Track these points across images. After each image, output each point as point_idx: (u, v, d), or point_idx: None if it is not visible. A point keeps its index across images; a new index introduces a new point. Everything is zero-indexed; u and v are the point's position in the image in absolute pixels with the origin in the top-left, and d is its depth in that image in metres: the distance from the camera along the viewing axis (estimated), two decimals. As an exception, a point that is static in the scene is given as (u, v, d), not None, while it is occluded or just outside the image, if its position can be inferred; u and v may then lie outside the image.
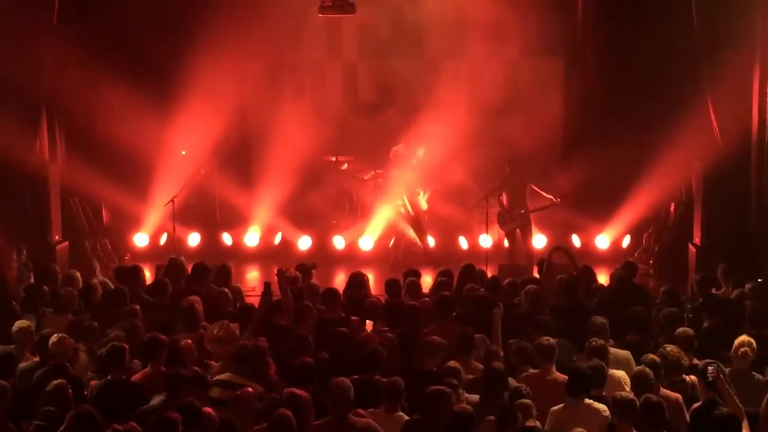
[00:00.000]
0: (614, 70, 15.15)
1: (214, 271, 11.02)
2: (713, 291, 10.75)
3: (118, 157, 15.48)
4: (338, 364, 8.40)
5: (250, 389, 7.65)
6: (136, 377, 8.27)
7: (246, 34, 15.44)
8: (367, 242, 15.77)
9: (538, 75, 16.12)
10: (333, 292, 10.10)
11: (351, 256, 15.65)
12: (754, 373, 8.32)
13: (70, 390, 7.60)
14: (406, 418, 7.55)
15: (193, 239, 16.14)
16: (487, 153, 15.37)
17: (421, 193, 15.61)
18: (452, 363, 8.15)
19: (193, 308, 9.44)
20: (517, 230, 14.63)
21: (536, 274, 12.04)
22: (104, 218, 16.05)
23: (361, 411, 7.53)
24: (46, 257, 13.32)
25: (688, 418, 7.62)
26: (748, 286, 10.45)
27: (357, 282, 10.76)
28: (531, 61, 15.93)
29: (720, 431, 7.10)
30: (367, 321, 9.66)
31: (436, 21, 16.37)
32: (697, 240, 13.72)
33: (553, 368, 8.24)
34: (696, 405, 7.62)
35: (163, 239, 15.88)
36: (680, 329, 8.88)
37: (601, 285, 11.16)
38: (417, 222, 15.62)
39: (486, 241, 14.91)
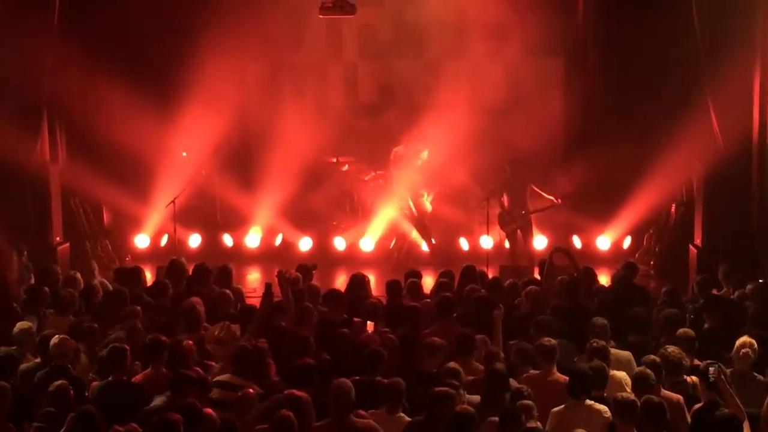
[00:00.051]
0: (615, 71, 15.14)
1: (215, 272, 11.01)
2: (714, 292, 10.75)
3: (118, 158, 15.48)
4: (339, 365, 8.40)
5: (251, 390, 7.65)
6: (137, 378, 8.26)
7: (246, 35, 15.44)
8: (367, 243, 15.77)
9: (539, 75, 16.13)
10: (336, 293, 10.09)
11: (352, 257, 15.66)
12: (755, 374, 8.32)
13: (72, 391, 7.61)
14: (407, 419, 7.55)
15: (194, 240, 16.14)
16: (488, 154, 15.36)
17: (425, 195, 15.61)
18: (452, 364, 8.14)
19: (194, 309, 9.44)
20: (518, 231, 14.62)
21: (537, 275, 12.04)
22: (105, 219, 16.05)
23: (362, 412, 7.52)
24: (47, 258, 13.32)
25: (689, 419, 7.61)
26: (749, 286, 10.45)
27: (358, 283, 10.76)
28: (531, 62, 15.93)
29: (721, 432, 7.11)
30: (368, 322, 9.65)
31: (436, 22, 16.38)
32: (697, 241, 13.72)
33: (554, 369, 8.24)
34: (697, 406, 7.62)
35: (164, 240, 15.88)
36: (681, 330, 8.88)
37: (602, 286, 11.16)
38: (421, 223, 15.62)
39: (487, 242, 14.91)
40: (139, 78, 15.36)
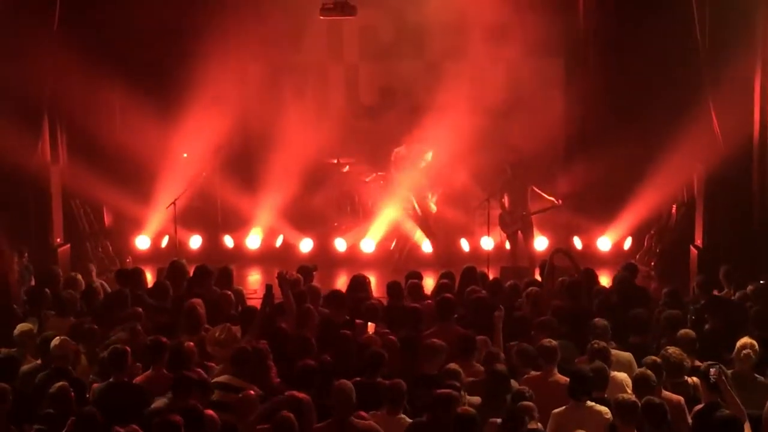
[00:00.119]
0: (615, 71, 15.13)
1: (216, 273, 11.01)
2: (715, 293, 10.75)
3: (119, 160, 15.48)
4: (340, 366, 8.41)
5: (251, 392, 7.65)
6: (138, 380, 8.27)
7: (247, 36, 15.45)
8: (368, 244, 15.77)
9: (539, 76, 16.12)
10: (338, 294, 10.09)
11: (353, 258, 15.65)
12: (756, 375, 8.31)
13: (72, 392, 7.61)
14: (408, 420, 7.55)
15: (195, 242, 16.14)
16: (489, 155, 15.37)
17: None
18: (452, 365, 8.15)
19: (195, 311, 9.44)
20: (519, 232, 14.61)
21: (538, 277, 12.03)
22: (106, 221, 16.05)
23: (363, 413, 7.53)
24: (48, 260, 13.32)
25: (690, 420, 7.61)
26: (750, 287, 10.45)
27: (358, 284, 10.76)
28: (532, 63, 15.92)
29: (722, 433, 7.11)
30: (369, 323, 9.66)
31: (436, 23, 16.38)
32: (698, 242, 13.71)
33: (555, 370, 8.24)
34: (698, 407, 7.62)
35: (165, 242, 15.88)
36: (682, 331, 8.88)
37: (603, 287, 11.15)
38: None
39: (488, 243, 14.90)
40: (139, 79, 15.38)
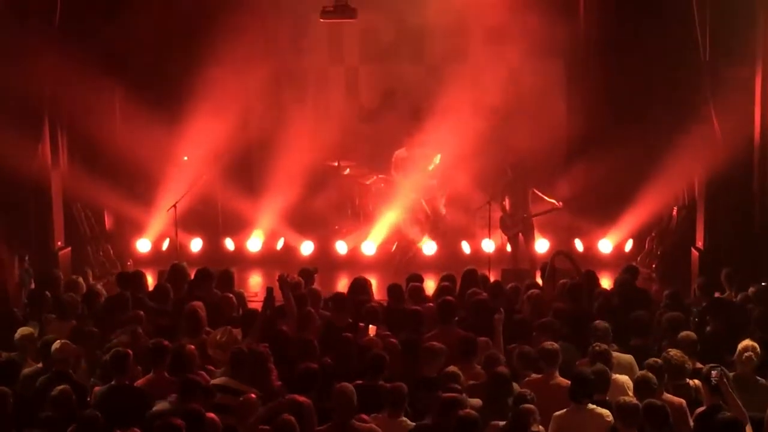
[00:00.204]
0: (616, 74, 15.12)
1: (217, 276, 11.01)
2: (717, 295, 10.74)
3: (120, 163, 15.47)
4: (342, 369, 8.41)
5: (253, 395, 7.65)
6: (139, 383, 8.27)
7: (248, 40, 15.42)
8: (369, 247, 15.76)
9: (541, 79, 16.09)
10: (341, 297, 10.09)
11: (353, 261, 15.64)
12: (758, 377, 8.31)
13: (74, 396, 7.61)
14: (410, 423, 7.56)
15: (196, 245, 16.14)
16: (490, 157, 15.35)
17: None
18: (452, 368, 8.15)
19: (196, 314, 9.44)
20: (520, 235, 14.61)
21: (539, 279, 12.03)
22: (107, 224, 16.05)
23: (364, 416, 7.53)
24: (49, 263, 13.32)
25: (691, 422, 7.60)
26: (751, 289, 10.44)
27: (359, 287, 10.75)
28: (533, 65, 15.90)
29: (723, 436, 7.10)
30: (370, 326, 9.65)
31: (437, 25, 16.36)
32: (700, 244, 13.70)
33: (557, 373, 8.24)
34: (700, 409, 7.61)
35: (166, 245, 15.87)
36: (682, 333, 8.87)
37: (604, 289, 11.15)
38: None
39: (489, 245, 14.89)
40: (140, 82, 15.39)
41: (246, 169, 16.35)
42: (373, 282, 11.51)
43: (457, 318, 9.80)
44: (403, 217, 15.69)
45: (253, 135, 16.27)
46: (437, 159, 15.45)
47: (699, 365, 8.36)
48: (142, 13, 14.71)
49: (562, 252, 12.20)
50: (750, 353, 8.29)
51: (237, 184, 16.02)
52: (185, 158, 15.82)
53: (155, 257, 15.75)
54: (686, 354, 8.28)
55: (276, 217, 15.95)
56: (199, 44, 15.23)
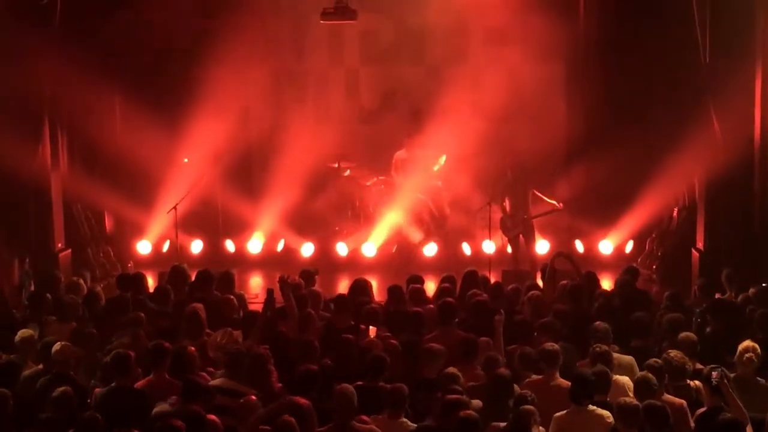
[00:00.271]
0: (617, 75, 15.13)
1: (217, 278, 11.01)
2: (718, 296, 10.74)
3: (120, 165, 15.49)
4: (342, 370, 8.41)
5: (253, 397, 7.65)
6: (139, 384, 8.26)
7: (248, 41, 15.44)
8: (370, 249, 15.76)
9: (541, 80, 16.09)
10: (343, 299, 10.09)
11: (354, 262, 15.65)
12: (758, 378, 8.30)
13: (75, 397, 7.62)
14: (410, 424, 7.56)
15: (196, 246, 16.14)
16: (490, 159, 15.36)
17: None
18: (451, 369, 8.15)
19: (196, 315, 9.44)
20: (520, 236, 14.61)
21: (539, 280, 12.03)
22: (107, 226, 16.05)
23: (364, 418, 7.53)
24: (49, 265, 13.32)
25: (692, 423, 7.60)
26: (752, 290, 10.44)
27: (360, 288, 10.75)
28: (533, 66, 15.90)
29: (724, 437, 7.09)
30: (371, 327, 9.66)
31: (437, 27, 16.37)
32: (700, 245, 13.70)
33: (557, 374, 8.24)
34: (700, 410, 7.61)
35: (166, 246, 15.87)
36: (682, 334, 8.87)
37: (605, 290, 11.15)
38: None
39: (489, 247, 14.90)
40: (140, 84, 15.40)
41: (246, 171, 16.36)
42: (374, 283, 11.51)
43: (457, 319, 9.80)
44: (405, 217, 15.69)
45: (254, 136, 16.28)
46: (442, 160, 15.45)
47: (699, 366, 8.36)
48: (143, 16, 14.73)
49: (562, 253, 12.20)
50: (750, 354, 8.28)
51: (237, 186, 16.03)
52: (185, 160, 15.82)
53: (156, 259, 15.75)
54: (686, 355, 8.27)
55: (276, 219, 15.96)
56: (200, 45, 15.25)
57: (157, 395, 7.94)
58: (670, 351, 8.29)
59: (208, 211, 16.22)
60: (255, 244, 16.16)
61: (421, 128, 15.50)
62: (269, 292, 9.50)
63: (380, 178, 16.18)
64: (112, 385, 8.06)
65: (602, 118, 15.17)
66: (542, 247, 15.22)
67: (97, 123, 15.09)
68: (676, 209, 15.07)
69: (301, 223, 16.14)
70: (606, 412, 7.52)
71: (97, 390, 8.18)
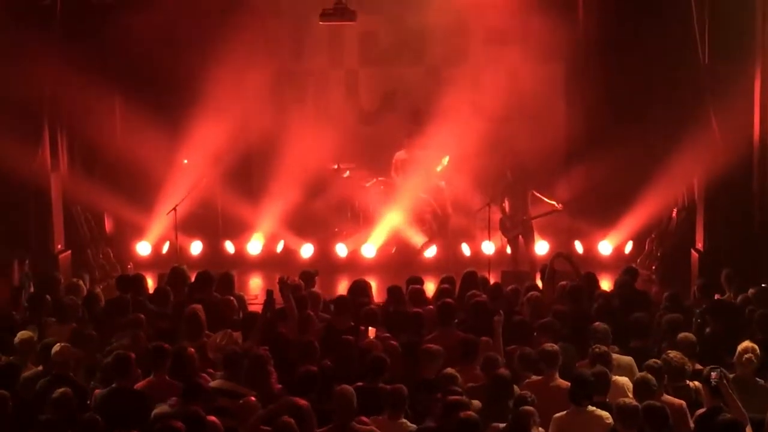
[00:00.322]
0: (616, 76, 15.14)
1: (217, 279, 11.01)
2: (718, 296, 10.74)
3: (120, 166, 15.50)
4: (342, 371, 8.41)
5: (253, 398, 7.66)
6: (139, 385, 8.27)
7: (247, 42, 15.45)
8: (369, 250, 15.77)
9: (540, 80, 16.09)
10: (343, 300, 10.10)
11: (354, 263, 15.66)
12: (757, 379, 8.30)
13: (75, 399, 7.62)
14: (410, 425, 7.56)
15: (196, 248, 16.15)
16: (489, 159, 15.36)
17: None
18: (449, 370, 8.16)
19: (196, 316, 9.44)
20: (520, 237, 14.62)
21: (539, 281, 12.03)
22: (107, 227, 16.06)
23: (364, 419, 7.53)
24: (49, 266, 13.32)
25: (692, 424, 7.60)
26: (751, 291, 10.44)
27: (359, 289, 10.75)
28: (533, 67, 15.91)
29: (724, 437, 7.10)
30: (370, 328, 9.66)
31: (437, 28, 16.39)
32: (699, 245, 13.72)
33: (557, 375, 8.24)
34: (700, 411, 7.61)
35: (166, 248, 15.88)
36: (681, 334, 8.86)
37: (604, 291, 11.15)
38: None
39: (488, 247, 14.90)
40: (140, 86, 15.41)
41: (246, 172, 16.36)
42: (373, 284, 11.51)
43: (456, 320, 9.80)
44: (407, 218, 15.69)
45: (253, 138, 16.27)
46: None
47: (699, 367, 8.36)
48: (143, 18, 14.72)
49: (561, 254, 12.20)
50: (750, 355, 8.28)
51: (237, 187, 16.04)
52: (185, 161, 15.83)
53: (155, 260, 15.76)
54: (686, 355, 8.27)
55: (276, 220, 15.97)
56: (199, 47, 15.26)
57: (156, 396, 7.95)
58: (669, 351, 8.29)
59: (208, 212, 16.24)
60: (255, 246, 16.16)
61: (421, 129, 15.50)
62: (269, 294, 9.51)
63: (380, 179, 16.19)
64: (112, 386, 8.06)
65: (602, 118, 15.18)
66: (542, 247, 15.23)
67: (97, 124, 15.11)
68: (675, 210, 15.08)
69: (301, 224, 16.15)
70: (605, 413, 7.52)
71: (97, 391, 8.18)
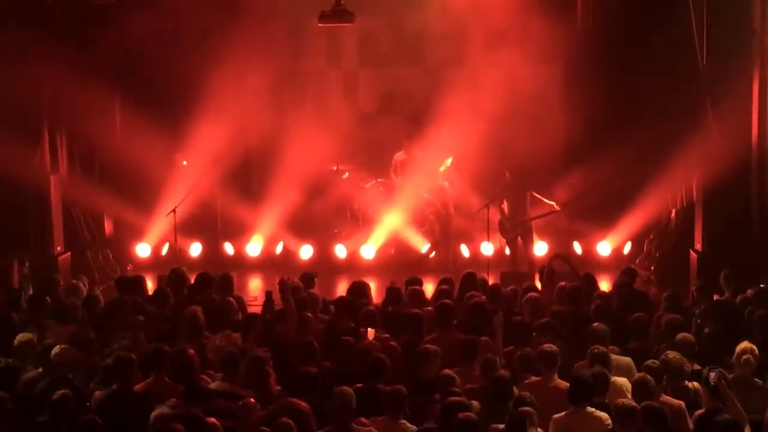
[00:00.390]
0: (615, 77, 15.15)
1: (216, 281, 11.02)
2: (716, 297, 10.75)
3: (119, 168, 15.48)
4: (341, 372, 8.42)
5: (252, 399, 7.67)
6: (138, 387, 8.27)
7: (247, 45, 15.45)
8: (368, 251, 15.78)
9: (539, 82, 16.08)
10: (343, 301, 10.11)
11: (353, 265, 15.66)
12: (756, 379, 8.31)
13: (75, 400, 7.63)
14: (410, 426, 7.56)
15: (195, 249, 16.15)
16: (488, 160, 15.37)
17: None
18: (447, 371, 8.17)
19: (195, 318, 9.45)
20: (519, 238, 14.63)
21: (538, 282, 12.04)
22: (106, 229, 16.06)
23: (363, 420, 7.54)
24: (48, 268, 13.33)
25: (691, 425, 7.61)
26: (750, 291, 10.45)
27: (358, 291, 10.77)
28: (532, 69, 15.90)
29: (723, 438, 7.11)
30: (369, 329, 9.68)
31: (435, 29, 16.40)
32: (698, 246, 13.73)
33: (555, 375, 8.25)
34: (699, 412, 7.61)
35: (165, 249, 15.88)
36: (680, 335, 8.87)
37: (603, 292, 11.16)
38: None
39: (487, 248, 14.91)
40: (139, 87, 15.41)
41: (245, 174, 16.37)
42: (372, 285, 11.52)
43: (455, 321, 9.81)
44: (408, 221, 15.69)
45: (252, 139, 16.27)
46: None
47: (698, 367, 8.37)
48: (141, 20, 14.73)
49: (560, 255, 12.22)
50: (748, 355, 8.29)
51: (236, 189, 16.05)
52: (184, 162, 15.84)
53: (155, 262, 15.76)
54: (684, 356, 8.28)
55: (275, 221, 15.96)
56: (199, 48, 15.26)
57: (156, 398, 7.95)
58: (668, 352, 8.29)
59: (207, 213, 16.24)
60: (254, 247, 16.17)
61: (419, 131, 15.51)
62: (268, 295, 9.53)
63: (379, 180, 16.20)
64: (112, 388, 8.07)
65: (601, 119, 15.17)
66: (540, 248, 15.25)
67: (96, 125, 15.10)
68: (674, 210, 15.09)
69: (300, 225, 16.15)
70: (604, 415, 7.52)
71: (97, 393, 8.19)
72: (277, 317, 9.57)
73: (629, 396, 7.82)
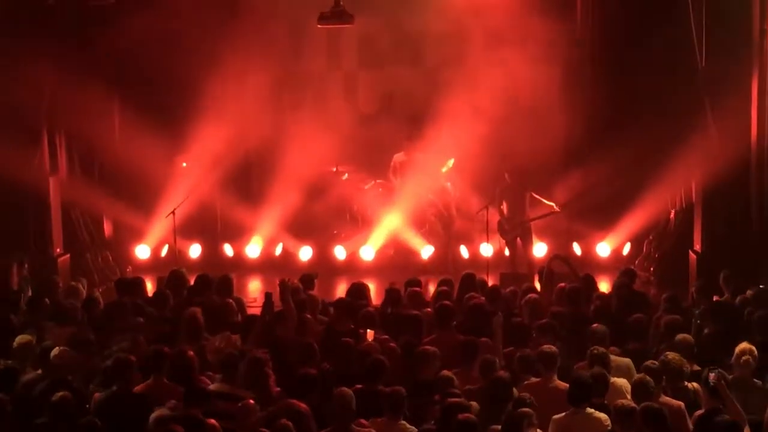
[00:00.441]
0: (614, 78, 15.14)
1: (216, 282, 11.03)
2: (716, 298, 10.76)
3: (119, 170, 15.49)
4: (341, 374, 8.42)
5: (251, 401, 7.67)
6: (138, 389, 8.28)
7: (246, 46, 15.46)
8: (368, 252, 15.78)
9: (538, 83, 16.08)
10: (343, 302, 10.11)
11: (352, 266, 15.66)
12: (756, 380, 8.32)
13: (74, 402, 7.63)
14: (409, 427, 7.57)
15: (195, 251, 16.14)
16: (488, 161, 15.37)
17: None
18: (445, 372, 8.17)
19: (194, 319, 9.45)
20: (518, 239, 14.63)
21: (537, 283, 12.05)
22: (106, 230, 16.05)
23: (363, 421, 7.54)
24: (48, 270, 13.33)
25: (690, 425, 7.61)
26: (749, 292, 10.46)
27: (357, 292, 10.77)
28: (531, 70, 15.89)
29: (723, 438, 7.11)
30: (369, 331, 9.68)
31: (434, 30, 16.41)
32: (697, 247, 13.74)
33: (555, 376, 8.25)
34: (698, 412, 7.62)
35: (165, 251, 15.88)
36: (680, 336, 8.88)
37: (602, 293, 11.17)
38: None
39: (487, 249, 14.91)
40: (138, 89, 15.41)
41: (245, 175, 16.36)
42: (372, 287, 11.52)
43: (455, 322, 9.81)
44: (409, 222, 15.69)
45: (252, 141, 16.27)
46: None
47: (697, 368, 8.37)
48: (141, 22, 14.73)
49: (559, 256, 12.23)
50: (748, 356, 8.30)
51: (236, 190, 16.04)
52: (184, 164, 15.84)
53: (154, 263, 15.76)
54: (683, 357, 8.28)
55: (275, 223, 15.96)
56: (198, 50, 15.24)
57: (156, 399, 7.95)
58: (667, 353, 8.30)
59: (207, 215, 16.23)
60: (253, 249, 16.16)
61: (418, 132, 15.51)
62: (268, 296, 9.53)
63: (378, 181, 16.21)
64: (112, 389, 8.07)
65: (600, 120, 15.16)
66: (540, 249, 15.25)
67: (95, 128, 15.10)
68: (673, 211, 15.09)
69: (300, 226, 16.15)
70: (604, 416, 7.52)
71: (97, 395, 8.19)
72: (277, 319, 9.58)
73: (629, 397, 7.83)
